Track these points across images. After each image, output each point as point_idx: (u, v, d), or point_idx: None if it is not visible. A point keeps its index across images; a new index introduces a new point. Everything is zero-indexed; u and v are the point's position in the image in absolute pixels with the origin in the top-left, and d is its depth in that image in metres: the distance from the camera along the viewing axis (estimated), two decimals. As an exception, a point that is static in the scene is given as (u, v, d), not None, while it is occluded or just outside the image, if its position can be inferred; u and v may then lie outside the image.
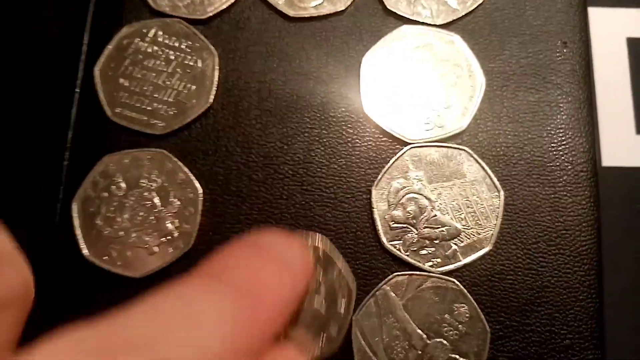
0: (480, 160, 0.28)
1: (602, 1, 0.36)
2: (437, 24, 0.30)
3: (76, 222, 0.28)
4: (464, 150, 0.28)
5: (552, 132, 0.28)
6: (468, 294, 0.26)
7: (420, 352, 0.26)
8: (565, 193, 0.28)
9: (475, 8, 0.30)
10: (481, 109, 0.29)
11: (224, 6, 0.30)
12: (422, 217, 0.27)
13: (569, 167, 0.28)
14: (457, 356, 0.26)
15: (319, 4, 0.30)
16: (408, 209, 0.27)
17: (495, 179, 0.27)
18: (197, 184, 0.28)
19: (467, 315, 0.26)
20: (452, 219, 0.27)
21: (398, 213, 0.27)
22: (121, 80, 0.29)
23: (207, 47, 0.30)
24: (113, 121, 0.29)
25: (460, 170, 0.28)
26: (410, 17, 0.30)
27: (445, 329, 0.26)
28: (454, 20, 0.30)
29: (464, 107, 0.28)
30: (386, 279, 0.26)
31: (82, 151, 0.29)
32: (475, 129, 0.28)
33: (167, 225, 0.28)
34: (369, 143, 0.29)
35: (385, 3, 0.30)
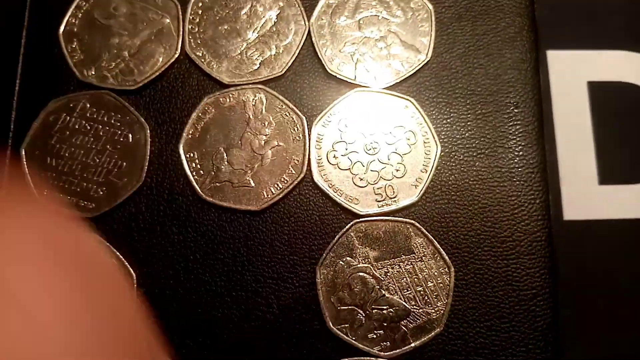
0: (428, 234, 0.27)
1: (561, 44, 0.34)
2: (381, 87, 0.28)
3: None
4: (412, 224, 0.27)
5: (504, 200, 0.27)
6: None
7: None
8: (518, 265, 0.27)
9: (421, 67, 0.29)
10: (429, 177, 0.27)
11: (156, 74, 0.29)
12: (369, 297, 0.26)
13: (522, 236, 0.27)
14: None
15: (255, 69, 0.29)
16: (355, 290, 0.26)
17: (444, 255, 0.27)
18: (131, 269, 0.27)
19: None
20: (400, 298, 0.26)
21: (344, 294, 0.26)
22: (48, 160, 0.28)
23: (138, 120, 0.28)
24: (42, 204, 0.27)
25: (408, 245, 0.27)
26: (353, 81, 0.28)
27: None
28: (398, 82, 0.28)
29: (417, 178, 0.27)
30: None
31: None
32: (423, 200, 0.27)
33: None
34: (314, 217, 0.27)
35: (326, 66, 0.29)
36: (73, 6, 0.30)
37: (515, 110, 0.28)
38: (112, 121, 0.28)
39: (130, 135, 0.28)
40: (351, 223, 0.27)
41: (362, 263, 0.27)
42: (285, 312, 0.26)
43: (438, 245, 0.27)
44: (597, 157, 0.33)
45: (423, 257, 0.27)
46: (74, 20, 0.30)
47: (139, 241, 0.27)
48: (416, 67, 0.29)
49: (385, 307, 0.26)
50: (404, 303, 0.26)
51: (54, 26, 0.29)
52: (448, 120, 0.28)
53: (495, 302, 0.26)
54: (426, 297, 0.26)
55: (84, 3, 0.30)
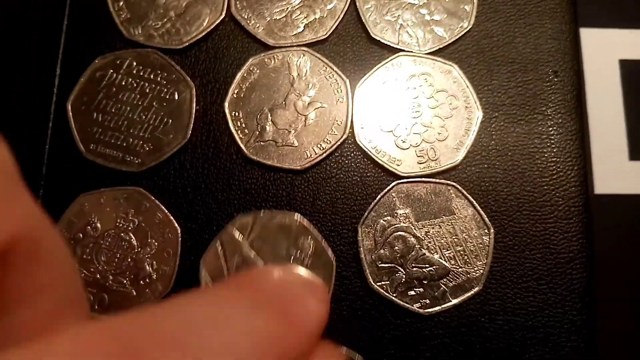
0: (469, 196, 0.27)
1: (594, 22, 0.35)
2: (424, 52, 0.29)
3: None
4: (453, 185, 0.27)
5: (542, 166, 0.28)
6: (311, 228, 0.26)
7: None
8: (556, 229, 0.27)
9: (463, 35, 0.29)
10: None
11: (201, 35, 0.29)
12: (409, 256, 0.27)
13: (560, 201, 0.28)
14: None
15: (300, 32, 0.29)
16: (395, 248, 0.27)
17: (484, 216, 0.27)
18: (176, 224, 0.27)
19: (312, 248, 0.26)
20: (440, 258, 0.27)
21: (385, 252, 0.27)
22: (95, 115, 0.29)
23: (184, 79, 0.29)
24: (87, 158, 0.28)
25: (448, 207, 0.27)
26: (396, 46, 0.29)
27: (293, 264, 0.26)
28: (441, 48, 0.29)
29: (459, 141, 0.28)
30: (232, 221, 0.26)
31: (57, 189, 0.28)
32: (464, 163, 0.28)
33: (145, 267, 0.27)
34: (355, 178, 0.28)
35: (370, 31, 0.29)
36: (121, -34, 0.30)
37: (555, 79, 0.29)
38: (158, 79, 0.29)
39: (176, 93, 0.29)
40: (393, 184, 0.28)
41: (403, 223, 0.27)
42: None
43: (478, 207, 0.27)
44: (627, 134, 0.33)
45: (463, 218, 0.27)
46: (121, -20, 0.30)
47: (183, 197, 0.28)
48: (458, 35, 0.29)
49: (425, 266, 0.27)
50: (443, 262, 0.27)
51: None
52: (489, 87, 0.29)
53: (533, 264, 0.27)
54: (466, 257, 0.27)
55: (132, -37, 0.30)
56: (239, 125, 0.28)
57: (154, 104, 0.29)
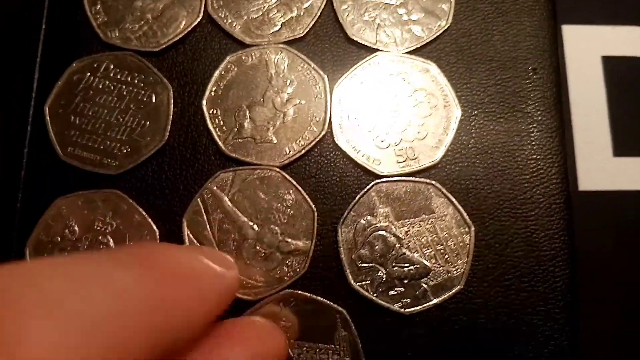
0: (449, 195, 0.27)
1: (576, 19, 0.35)
2: (402, 52, 0.29)
3: None
4: (432, 184, 0.27)
5: (523, 164, 0.28)
6: (291, 180, 0.27)
7: (251, 241, 0.26)
8: (537, 226, 0.27)
9: (441, 34, 0.29)
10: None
11: (178, 37, 0.29)
12: (390, 255, 0.27)
13: (541, 199, 0.27)
14: (288, 239, 0.26)
15: (277, 30, 0.29)
16: (376, 247, 0.27)
17: (465, 214, 0.27)
18: (154, 226, 0.27)
19: (292, 199, 0.27)
20: (421, 256, 0.27)
21: (365, 252, 0.27)
22: (72, 118, 0.28)
23: (161, 81, 0.29)
24: (64, 161, 0.28)
25: (428, 205, 0.27)
26: (374, 46, 0.29)
27: (274, 216, 0.27)
28: (419, 47, 0.29)
29: (438, 140, 0.28)
30: (212, 177, 0.27)
31: (35, 193, 0.28)
32: (443, 161, 0.28)
33: None
34: (334, 177, 0.28)
35: (347, 31, 0.29)
36: (97, -31, 0.30)
37: (534, 77, 0.29)
38: (136, 81, 0.29)
39: (153, 96, 0.29)
40: (372, 183, 0.27)
41: (383, 222, 0.27)
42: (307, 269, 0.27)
43: (458, 205, 0.27)
44: (611, 130, 0.33)
45: (444, 217, 0.27)
46: (97, -17, 0.30)
47: (162, 198, 0.28)
48: (436, 33, 0.29)
49: (406, 265, 0.27)
50: (424, 261, 0.27)
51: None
52: (468, 85, 0.29)
53: (515, 261, 0.27)
54: (446, 256, 0.27)
55: (109, -34, 0.30)
56: (217, 122, 0.28)
57: (131, 106, 0.29)
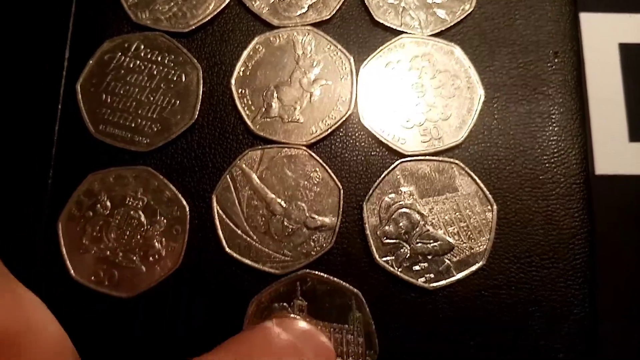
0: (472, 174, 0.28)
1: (594, 7, 0.36)
2: (426, 34, 0.30)
3: (62, 242, 0.27)
4: (456, 163, 0.28)
5: (544, 144, 0.28)
6: (317, 158, 0.28)
7: (279, 217, 0.27)
8: (558, 205, 0.28)
9: (464, 17, 0.30)
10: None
11: (207, 18, 0.30)
12: (414, 232, 0.27)
13: (562, 179, 0.28)
14: (315, 215, 0.27)
15: (304, 12, 0.30)
16: (400, 224, 0.28)
17: (487, 193, 0.28)
18: (184, 202, 0.28)
19: (319, 177, 0.28)
20: (444, 233, 0.27)
21: (390, 228, 0.28)
22: (103, 97, 0.29)
23: (191, 61, 0.29)
24: (96, 138, 0.29)
25: (452, 184, 0.28)
26: (398, 28, 0.30)
27: (301, 192, 0.27)
28: (443, 30, 0.30)
29: (461, 120, 0.28)
30: (241, 155, 0.28)
31: (66, 169, 0.29)
32: (467, 141, 0.28)
33: (155, 244, 0.27)
34: (360, 156, 0.29)
35: (373, 13, 0.30)
36: (129, -49, 0.31)
37: (555, 60, 0.30)
38: (166, 61, 0.30)
39: (183, 75, 0.29)
40: (397, 162, 0.28)
41: (407, 200, 0.28)
42: (331, 245, 0.28)
43: (481, 184, 0.28)
44: (627, 116, 0.34)
45: (467, 195, 0.28)
46: (129, -35, 0.31)
47: (191, 176, 0.28)
48: (460, 17, 0.30)
49: (429, 242, 0.27)
50: (447, 238, 0.27)
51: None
52: (490, 68, 0.29)
53: (536, 239, 0.27)
54: (469, 233, 0.27)
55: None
56: (246, 102, 0.29)
57: (162, 85, 0.29)
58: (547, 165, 0.28)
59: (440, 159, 0.28)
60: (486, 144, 0.29)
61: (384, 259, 0.27)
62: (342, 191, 0.28)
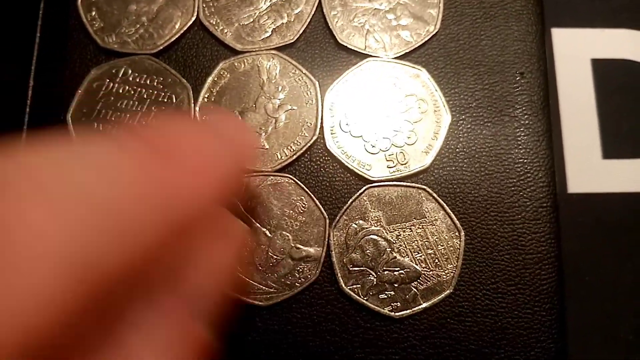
0: (439, 200, 0.27)
1: (565, 22, 0.35)
2: (390, 57, 0.29)
3: None
4: (423, 189, 0.28)
5: (510, 167, 0.28)
6: (303, 186, 0.27)
7: (264, 247, 0.27)
8: (524, 230, 0.27)
9: (429, 39, 0.29)
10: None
11: (174, 37, 0.30)
12: (380, 259, 0.27)
13: (528, 202, 0.28)
14: (300, 245, 0.27)
15: (267, 37, 0.29)
16: (367, 251, 0.27)
17: (455, 219, 0.27)
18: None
19: (304, 206, 0.27)
20: (411, 261, 0.27)
21: (356, 256, 0.27)
22: (95, 126, 0.29)
23: (180, 81, 0.29)
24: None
25: (419, 210, 0.28)
26: (363, 51, 0.29)
27: (286, 222, 0.27)
28: (407, 52, 0.29)
29: (428, 145, 0.28)
30: None
31: None
32: (432, 165, 0.28)
33: None
34: (326, 181, 0.28)
35: (337, 36, 0.29)
36: (91, -24, 0.30)
37: (522, 81, 0.29)
38: (155, 84, 0.29)
39: (173, 97, 0.29)
40: (364, 187, 0.28)
41: (374, 226, 0.28)
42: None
43: (449, 210, 0.27)
44: (600, 132, 0.34)
45: (434, 221, 0.27)
46: (92, -10, 0.30)
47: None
48: (425, 38, 0.29)
49: (396, 269, 0.27)
50: (414, 265, 0.27)
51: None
52: (456, 90, 0.29)
53: (502, 265, 0.27)
54: (436, 260, 0.27)
55: (101, -27, 0.31)
56: (209, 131, 0.28)
57: (153, 108, 0.29)
58: (512, 188, 0.28)
59: (408, 184, 0.28)
60: (452, 168, 0.28)
61: (350, 287, 0.27)
62: (327, 221, 0.27)
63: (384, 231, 0.27)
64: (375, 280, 0.27)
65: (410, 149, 0.28)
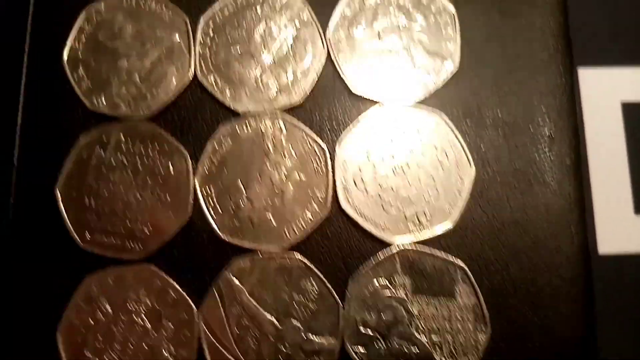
0: (475, 285, 0.25)
1: (593, 60, 0.33)
2: (409, 103, 0.27)
3: (63, 355, 0.25)
4: (462, 268, 0.25)
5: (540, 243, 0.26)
6: (314, 268, 0.24)
7: (273, 340, 0.24)
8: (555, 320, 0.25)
9: (449, 80, 0.27)
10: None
11: (171, 100, 0.27)
12: (395, 329, 0.25)
13: (560, 283, 0.26)
14: (313, 336, 0.24)
15: (271, 97, 0.27)
16: (383, 317, 0.25)
17: (485, 310, 0.25)
18: (191, 302, 0.25)
19: (316, 291, 0.24)
20: (427, 342, 0.25)
21: (371, 317, 0.25)
22: (86, 201, 0.26)
23: (178, 149, 0.26)
24: (84, 250, 0.26)
25: (451, 289, 0.25)
26: (377, 100, 0.27)
27: (296, 309, 0.24)
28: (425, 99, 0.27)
29: (449, 204, 0.26)
30: (228, 265, 0.24)
31: (60, 277, 0.26)
32: (456, 228, 0.26)
33: (163, 352, 0.25)
34: (341, 254, 0.26)
35: (348, 85, 0.27)
36: (75, 30, 0.28)
37: (552, 145, 0.27)
38: (150, 151, 0.27)
39: (171, 166, 0.26)
40: (400, 248, 0.25)
41: (399, 293, 0.25)
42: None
43: (482, 301, 0.25)
44: (632, 184, 0.31)
45: (463, 307, 0.25)
46: (77, 45, 0.28)
47: (196, 274, 0.26)
48: (445, 79, 0.27)
49: (409, 345, 0.25)
50: (429, 348, 0.25)
51: (57, 53, 0.27)
52: (480, 145, 0.27)
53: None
54: (452, 350, 0.25)
55: (87, 26, 0.28)
56: (211, 202, 0.26)
57: (149, 180, 0.26)
58: (543, 267, 0.26)
59: (447, 258, 0.25)
60: (475, 234, 0.26)
61: (355, 347, 0.25)
62: (341, 308, 0.25)
63: (408, 301, 0.25)
64: (383, 350, 0.24)
65: (433, 207, 0.25)
